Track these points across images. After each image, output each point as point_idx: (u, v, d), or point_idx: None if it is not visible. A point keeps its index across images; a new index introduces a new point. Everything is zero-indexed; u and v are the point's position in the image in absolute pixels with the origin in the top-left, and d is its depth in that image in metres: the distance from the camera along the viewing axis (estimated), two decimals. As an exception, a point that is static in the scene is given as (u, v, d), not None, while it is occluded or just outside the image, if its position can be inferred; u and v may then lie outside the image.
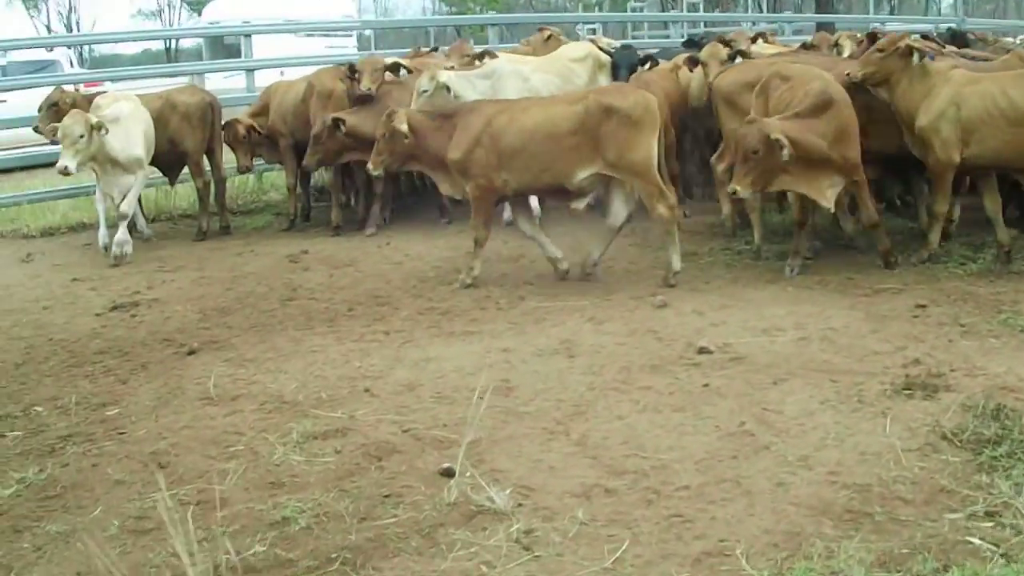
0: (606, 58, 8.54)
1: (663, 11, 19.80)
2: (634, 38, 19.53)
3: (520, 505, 3.56)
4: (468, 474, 3.79)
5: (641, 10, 23.05)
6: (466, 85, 7.73)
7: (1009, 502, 3.40)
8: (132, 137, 7.54)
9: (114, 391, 4.84)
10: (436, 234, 8.24)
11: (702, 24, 18.24)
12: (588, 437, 4.12)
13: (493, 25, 16.50)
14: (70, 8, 42.55)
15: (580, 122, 6.24)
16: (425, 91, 7.57)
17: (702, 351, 5.10)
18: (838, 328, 5.40)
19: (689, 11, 20.95)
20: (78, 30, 38.90)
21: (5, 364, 5.33)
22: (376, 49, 17.11)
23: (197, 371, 5.07)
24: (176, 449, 4.14)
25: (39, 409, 4.63)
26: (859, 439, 3.98)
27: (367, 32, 17.07)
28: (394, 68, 8.24)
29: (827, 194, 6.22)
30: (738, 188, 6.02)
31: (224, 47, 15.76)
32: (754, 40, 9.05)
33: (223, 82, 13.84)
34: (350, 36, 16.65)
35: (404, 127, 6.37)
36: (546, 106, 6.51)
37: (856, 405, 4.33)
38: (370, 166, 6.59)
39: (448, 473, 3.80)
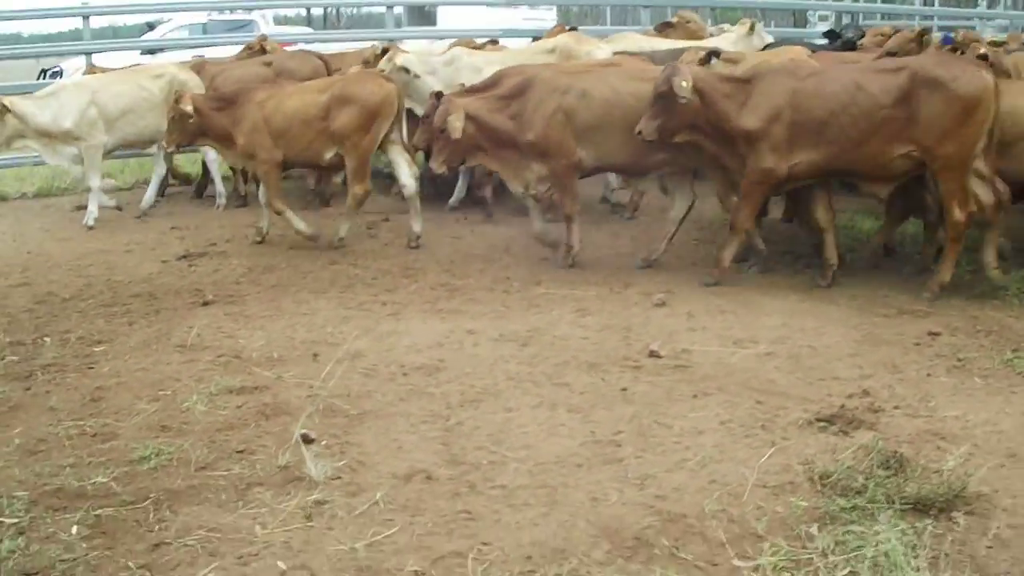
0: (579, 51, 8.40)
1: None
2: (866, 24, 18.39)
3: (338, 478, 3.76)
4: (324, 442, 4.07)
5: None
6: (425, 68, 7.83)
7: (811, 559, 3.19)
8: (64, 109, 7.98)
9: (116, 331, 5.46)
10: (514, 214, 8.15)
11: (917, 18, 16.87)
12: (462, 425, 4.22)
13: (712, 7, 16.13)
14: None
15: (326, 108, 6.98)
16: (383, 71, 7.76)
17: (652, 355, 5.02)
18: (818, 348, 5.10)
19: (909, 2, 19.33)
20: None
21: (54, 298, 6.11)
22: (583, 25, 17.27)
23: (194, 321, 5.59)
24: (117, 387, 4.66)
25: (47, 340, 5.32)
26: (722, 467, 3.82)
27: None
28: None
29: (522, 177, 6.51)
30: (434, 166, 6.54)
31: (422, 14, 16.50)
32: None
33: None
34: (550, 9, 16.83)
35: (188, 108, 6.98)
36: (302, 93, 7.15)
37: (753, 431, 4.13)
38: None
39: (306, 439, 4.07)
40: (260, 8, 15.38)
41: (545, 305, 5.87)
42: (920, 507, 3.46)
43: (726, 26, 11.44)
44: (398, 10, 14.34)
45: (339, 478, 3.77)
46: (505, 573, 3.14)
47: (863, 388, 4.55)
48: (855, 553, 3.19)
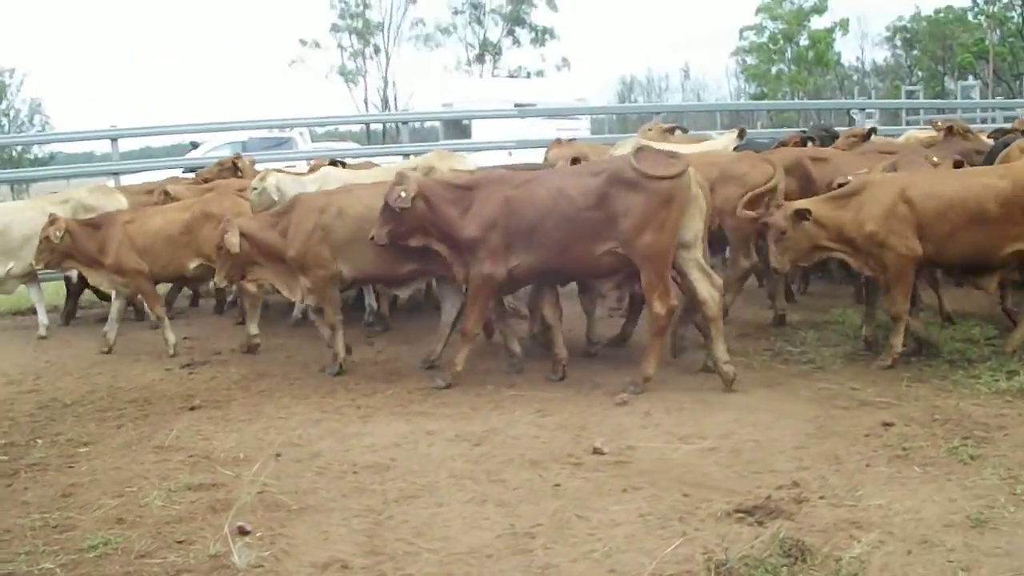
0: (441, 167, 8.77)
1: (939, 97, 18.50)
2: (908, 123, 18.62)
3: (260, 567, 3.98)
4: (259, 534, 4.32)
5: (915, 95, 21.68)
6: (295, 188, 8.21)
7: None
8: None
9: (103, 433, 5.83)
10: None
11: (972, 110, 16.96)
12: (392, 519, 4.41)
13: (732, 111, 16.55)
14: (386, 83, 46.42)
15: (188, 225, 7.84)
16: (255, 190, 8.33)
17: (595, 452, 5.17)
18: (762, 441, 5.21)
19: (963, 97, 19.49)
20: (395, 104, 42.60)
21: (56, 403, 6.55)
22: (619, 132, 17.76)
23: (177, 424, 5.94)
24: (89, 483, 4.99)
25: (38, 441, 5.71)
26: (625, 557, 3.92)
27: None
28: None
29: (294, 289, 7.13)
30: (216, 280, 7.32)
31: (458, 127, 17.23)
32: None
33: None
34: (581, 119, 17.42)
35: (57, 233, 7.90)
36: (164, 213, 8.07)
37: (669, 523, 4.23)
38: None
39: (242, 531, 4.32)
40: (294, 126, 16.16)
41: (509, 406, 6.08)
42: (806, 595, 3.56)
43: (713, 133, 11.94)
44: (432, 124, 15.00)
45: (261, 567, 3.99)
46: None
47: (794, 480, 4.63)
48: (724, 638, 3.29)
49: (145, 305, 8.33)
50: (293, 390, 6.70)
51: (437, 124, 13.46)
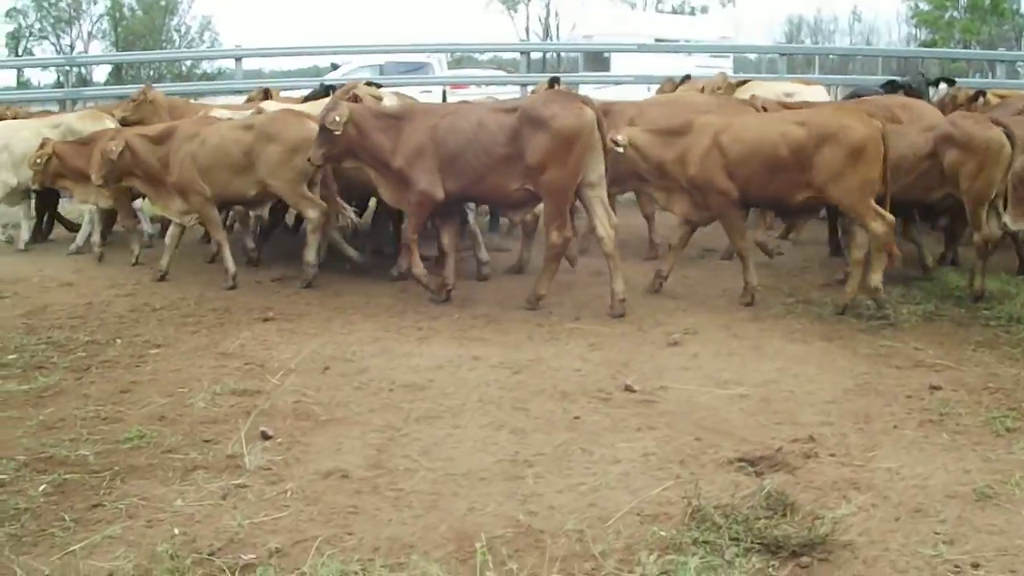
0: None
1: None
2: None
3: (268, 469, 4.23)
4: (279, 440, 4.57)
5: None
6: None
7: None
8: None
9: (178, 338, 6.23)
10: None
11: None
12: (407, 436, 4.58)
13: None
14: (548, 12, 45.64)
15: None
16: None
17: (626, 389, 5.18)
18: (797, 393, 5.10)
19: None
20: (556, 34, 42.05)
21: (148, 307, 6.99)
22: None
23: (245, 333, 6.28)
24: (148, 383, 5.38)
25: (118, 341, 6.15)
26: (611, 494, 3.94)
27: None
28: None
29: (168, 208, 7.82)
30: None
31: (598, 60, 16.94)
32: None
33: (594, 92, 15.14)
34: (727, 57, 16.82)
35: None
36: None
37: (667, 465, 4.22)
38: None
39: (265, 436, 4.59)
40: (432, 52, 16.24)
41: (565, 338, 6.13)
42: (773, 548, 3.49)
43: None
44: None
45: (269, 469, 4.25)
46: (342, 560, 3.49)
47: (812, 434, 4.52)
48: (669, 582, 3.30)
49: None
50: (366, 308, 6.94)
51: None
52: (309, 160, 7.01)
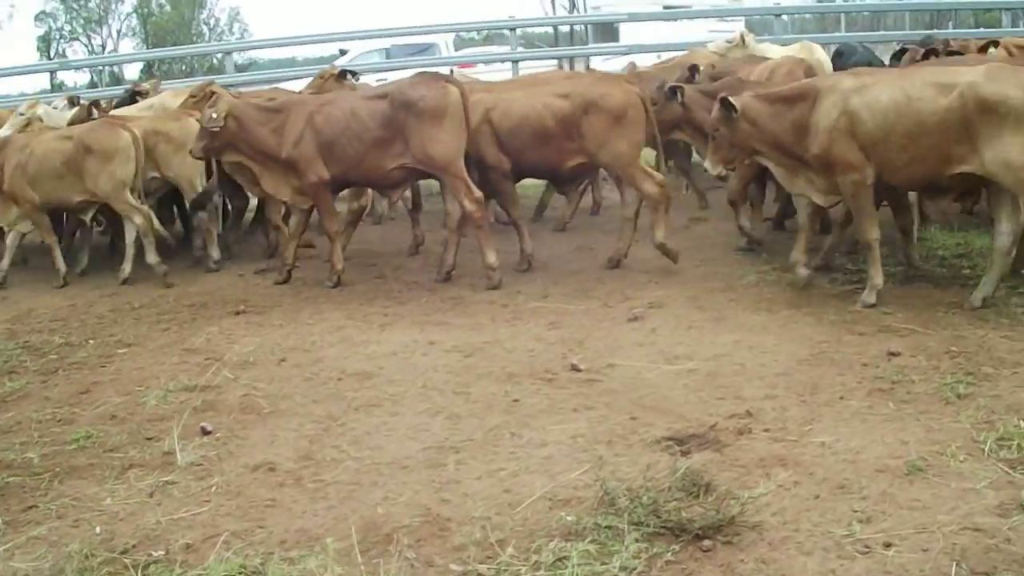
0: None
1: None
2: None
3: (199, 465, 4.27)
4: (218, 435, 4.61)
5: None
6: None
7: (519, 571, 3.28)
8: None
9: (149, 336, 6.28)
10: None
11: None
12: (344, 426, 4.59)
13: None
14: None
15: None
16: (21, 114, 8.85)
17: (573, 368, 5.12)
18: (748, 366, 4.99)
19: None
20: (584, 7, 41.30)
21: (128, 306, 7.04)
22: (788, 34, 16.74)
23: (216, 327, 6.33)
24: (109, 383, 5.45)
25: (91, 342, 6.25)
26: (529, 478, 3.92)
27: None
28: None
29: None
30: None
31: (608, 31, 16.69)
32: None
33: (604, 64, 14.92)
34: (739, 20, 16.42)
35: None
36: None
37: (594, 446, 4.18)
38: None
39: (204, 431, 4.63)
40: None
41: (527, 318, 6.09)
42: (676, 532, 3.43)
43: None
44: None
45: (200, 465, 4.29)
46: (247, 552, 3.52)
47: (750, 409, 4.42)
48: (559, 570, 3.25)
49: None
50: (338, 297, 6.95)
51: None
52: (191, 152, 7.27)
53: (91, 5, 40.47)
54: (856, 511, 3.51)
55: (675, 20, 14.86)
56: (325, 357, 5.63)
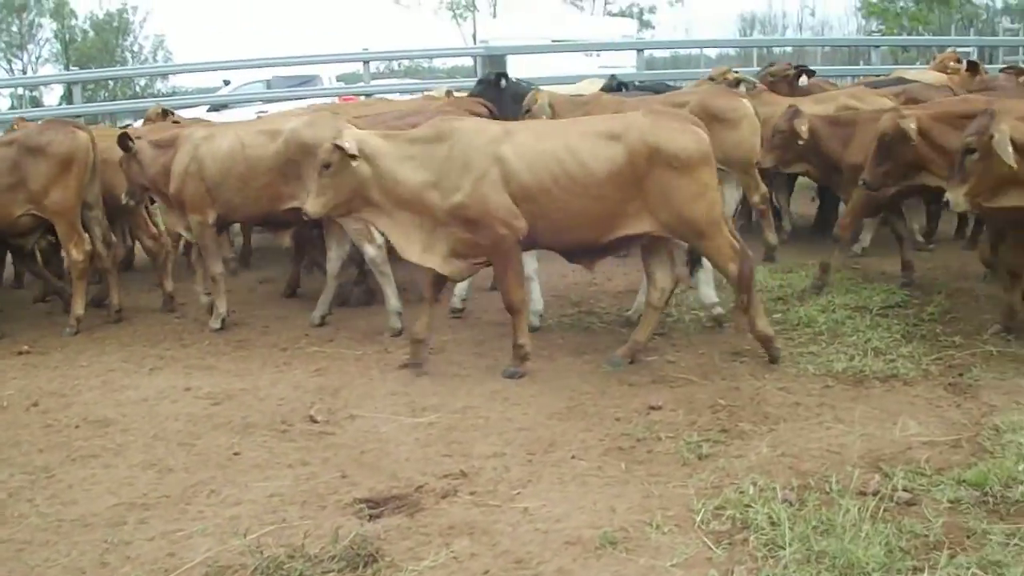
0: None
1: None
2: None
3: None
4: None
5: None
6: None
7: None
8: None
9: None
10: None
11: None
12: (53, 478, 4.38)
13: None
14: (495, 17, 44.66)
15: None
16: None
17: (311, 420, 4.96)
18: (493, 419, 4.86)
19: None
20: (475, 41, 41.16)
21: None
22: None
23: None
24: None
25: None
26: (195, 542, 3.71)
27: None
28: None
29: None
30: None
31: (497, 63, 16.67)
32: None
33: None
34: (631, 56, 16.51)
35: None
36: None
37: (286, 507, 3.97)
38: None
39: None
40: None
41: (296, 364, 5.93)
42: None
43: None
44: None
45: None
46: None
47: (466, 469, 4.25)
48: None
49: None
50: (126, 337, 6.74)
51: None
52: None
53: (13, 29, 39.76)
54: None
55: (561, 53, 14.93)
56: (76, 403, 5.41)
